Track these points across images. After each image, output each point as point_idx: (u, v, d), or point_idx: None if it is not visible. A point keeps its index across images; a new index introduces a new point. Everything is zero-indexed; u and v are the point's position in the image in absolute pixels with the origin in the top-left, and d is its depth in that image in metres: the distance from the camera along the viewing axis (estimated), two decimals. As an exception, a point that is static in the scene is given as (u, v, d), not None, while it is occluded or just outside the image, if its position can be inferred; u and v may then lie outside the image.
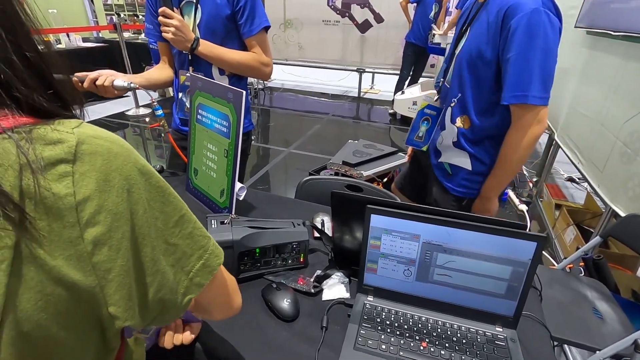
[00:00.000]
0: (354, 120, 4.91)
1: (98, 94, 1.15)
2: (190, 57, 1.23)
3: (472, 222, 0.68)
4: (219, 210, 1.10)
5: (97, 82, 1.11)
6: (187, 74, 1.24)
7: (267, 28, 1.26)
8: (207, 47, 1.19)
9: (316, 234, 1.03)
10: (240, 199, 1.06)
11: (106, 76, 1.12)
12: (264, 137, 4.28)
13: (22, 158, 0.29)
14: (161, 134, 3.69)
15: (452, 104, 1.19)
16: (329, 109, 5.25)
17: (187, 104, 1.32)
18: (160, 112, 1.22)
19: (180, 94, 1.36)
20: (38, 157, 0.30)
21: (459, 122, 1.17)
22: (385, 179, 2.29)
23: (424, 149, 1.39)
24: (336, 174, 2.32)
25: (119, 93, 1.16)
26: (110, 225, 0.34)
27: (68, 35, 4.74)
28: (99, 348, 0.40)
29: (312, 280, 0.85)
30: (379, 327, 0.73)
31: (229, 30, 1.22)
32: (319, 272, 0.88)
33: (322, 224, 1.05)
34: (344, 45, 5.61)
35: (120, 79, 1.13)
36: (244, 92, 0.93)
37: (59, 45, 4.59)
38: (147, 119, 4.43)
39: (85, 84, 1.12)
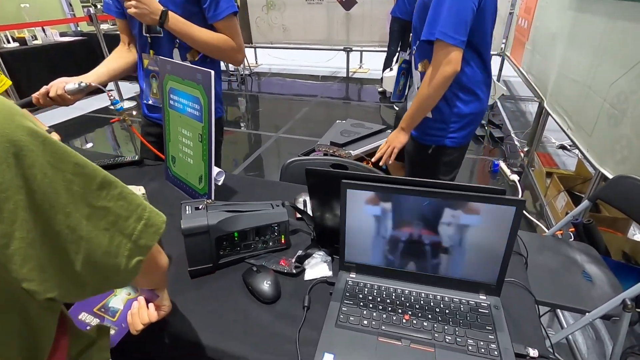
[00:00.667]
0: (343, 100, 4.84)
1: (61, 105, 1.11)
2: (150, 40, 1.17)
3: (451, 191, 0.66)
4: (199, 197, 1.07)
5: (50, 94, 1.07)
6: (151, 58, 1.19)
7: (235, 13, 1.18)
8: (177, 22, 1.09)
9: (299, 215, 1.01)
10: (219, 183, 1.03)
11: (56, 86, 1.07)
12: (254, 123, 4.22)
13: None
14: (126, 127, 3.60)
15: (414, 52, 1.30)
16: (318, 91, 5.16)
17: (154, 89, 1.28)
18: (119, 105, 1.15)
19: (144, 78, 1.29)
20: None
21: (420, 67, 1.28)
22: (375, 158, 2.27)
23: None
24: (325, 155, 2.29)
25: (77, 97, 1.10)
26: None
27: (44, 30, 4.57)
28: (21, 329, 0.38)
29: (293, 260, 0.83)
30: (361, 303, 0.72)
31: (191, 14, 1.13)
32: (300, 252, 0.86)
33: (305, 204, 1.03)
34: (329, 24, 5.47)
35: (71, 83, 1.07)
36: (212, 72, 0.89)
37: (35, 42, 4.44)
38: (134, 112, 4.34)
39: (41, 100, 1.08)
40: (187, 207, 0.82)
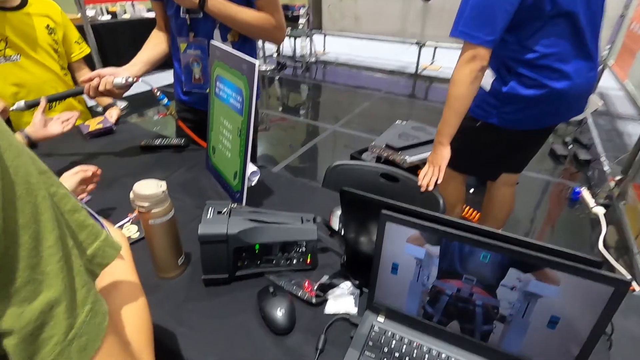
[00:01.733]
0: (408, 98, 4.57)
1: (109, 97, 1.12)
2: (189, 22, 1.12)
3: (523, 249, 0.50)
4: (233, 194, 1.01)
5: (99, 88, 1.07)
6: (187, 40, 1.15)
7: None
8: (216, 2, 1.04)
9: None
10: (253, 184, 0.96)
11: (105, 80, 1.07)
12: (313, 112, 4.15)
13: None
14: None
15: None
16: (383, 85, 4.94)
17: (196, 75, 1.23)
18: (165, 100, 1.13)
19: (182, 63, 1.25)
20: None
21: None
22: (432, 167, 2.07)
23: None
24: (378, 157, 2.14)
25: (123, 91, 1.10)
26: None
27: (133, 5, 4.92)
28: None
29: (315, 287, 0.73)
30: (386, 359, 0.60)
31: None
32: (325, 278, 0.75)
33: (341, 217, 0.92)
34: (403, 15, 5.17)
35: (119, 77, 1.06)
36: (257, 63, 0.80)
37: (124, 16, 4.78)
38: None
39: (91, 93, 1.09)
40: (210, 209, 0.75)
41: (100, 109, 1.62)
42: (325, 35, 6.29)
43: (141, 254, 0.75)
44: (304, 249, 0.77)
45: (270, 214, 0.79)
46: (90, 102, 1.54)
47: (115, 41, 4.47)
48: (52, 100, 1.18)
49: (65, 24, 1.48)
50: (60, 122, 1.19)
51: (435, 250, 0.57)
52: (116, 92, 1.09)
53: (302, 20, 5.04)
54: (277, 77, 5.33)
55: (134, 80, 1.09)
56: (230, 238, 0.71)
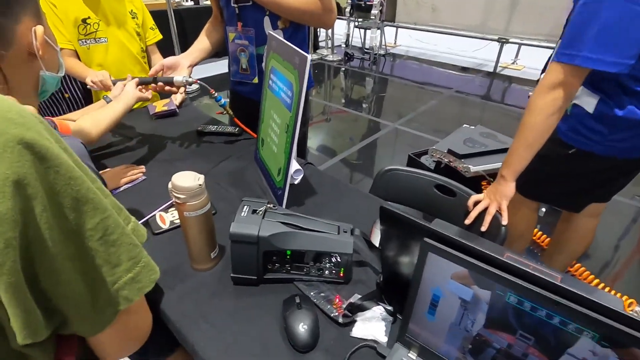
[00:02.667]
0: (481, 99, 4.21)
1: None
2: (237, 11, 1.09)
3: (602, 317, 0.40)
4: (276, 190, 0.99)
5: (158, 89, 1.12)
6: (236, 30, 1.13)
7: None
8: None
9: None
10: (295, 182, 0.92)
11: (160, 86, 1.11)
12: (376, 107, 4.02)
13: None
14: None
15: None
16: (454, 83, 4.61)
17: (243, 65, 1.22)
18: (222, 101, 1.15)
19: (230, 53, 1.25)
20: None
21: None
22: (499, 179, 1.86)
23: None
24: (438, 163, 1.99)
25: (181, 88, 1.12)
26: None
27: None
28: None
29: (344, 306, 0.67)
30: (411, 405, 0.53)
31: None
32: (356, 297, 0.69)
33: (384, 232, 0.84)
34: (487, 8, 4.75)
35: (179, 76, 1.09)
36: (309, 57, 0.75)
37: (205, 2, 5.03)
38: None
39: (157, 87, 1.13)
40: (245, 207, 0.73)
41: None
42: (397, 28, 6.04)
43: (181, 239, 0.75)
44: (337, 261, 0.72)
45: (307, 219, 0.74)
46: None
47: (196, 26, 4.74)
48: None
49: (144, 10, 1.57)
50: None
51: (486, 294, 0.47)
52: (174, 90, 1.14)
53: (374, 11, 4.87)
54: (343, 69, 5.26)
55: (194, 81, 1.12)
56: (261, 241, 0.68)
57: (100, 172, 1.05)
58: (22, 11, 0.40)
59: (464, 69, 5.18)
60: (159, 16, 3.94)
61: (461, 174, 1.82)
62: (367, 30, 5.36)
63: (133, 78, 1.13)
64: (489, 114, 3.85)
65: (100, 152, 1.22)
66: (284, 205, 0.94)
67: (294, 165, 0.90)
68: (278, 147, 0.96)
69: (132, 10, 1.50)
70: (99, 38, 1.43)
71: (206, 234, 0.73)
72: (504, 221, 0.98)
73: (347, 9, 5.14)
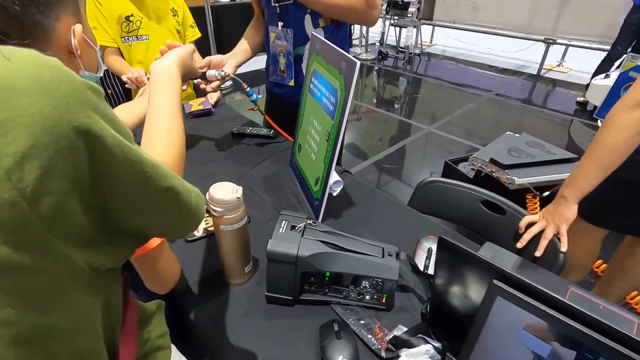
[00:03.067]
0: (523, 103, 3.99)
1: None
2: (278, 10, 1.04)
3: None
4: (312, 200, 0.94)
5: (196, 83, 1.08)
6: (277, 30, 1.08)
7: None
8: None
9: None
10: (334, 194, 0.87)
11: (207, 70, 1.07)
12: (409, 109, 3.90)
13: None
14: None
15: None
16: (494, 85, 4.39)
17: (281, 67, 1.18)
18: (254, 96, 1.11)
19: (270, 54, 1.22)
20: None
21: None
22: (547, 193, 1.73)
23: None
24: (478, 172, 1.88)
25: (219, 82, 1.07)
26: None
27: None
28: (98, 306, 0.38)
29: (388, 339, 0.61)
30: None
31: None
32: (401, 329, 0.63)
33: (429, 253, 0.78)
34: (534, 6, 4.48)
35: (213, 70, 1.04)
36: (358, 63, 0.69)
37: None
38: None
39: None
40: (283, 221, 0.68)
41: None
42: (434, 26, 5.84)
43: (215, 248, 0.72)
44: (380, 286, 0.66)
45: (349, 238, 0.69)
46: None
47: (232, 22, 4.77)
48: None
49: (184, 8, 1.56)
50: None
51: (570, 355, 0.40)
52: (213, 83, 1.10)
53: (412, 9, 4.72)
54: (376, 67, 5.15)
55: (227, 75, 1.08)
56: (300, 261, 0.63)
57: None
58: (61, 9, 0.38)
59: (505, 71, 4.93)
60: (195, 13, 4.00)
61: (504, 185, 1.70)
62: (403, 29, 5.21)
63: None
64: (530, 119, 3.63)
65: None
66: (320, 218, 0.89)
67: (334, 176, 0.84)
68: (317, 155, 0.91)
69: (173, 8, 1.49)
70: (141, 35, 1.43)
71: (241, 248, 0.69)
72: (563, 247, 0.88)
73: (383, 7, 5.01)
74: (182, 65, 0.70)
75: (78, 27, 0.42)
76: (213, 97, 1.54)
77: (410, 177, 2.64)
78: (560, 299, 0.41)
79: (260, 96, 1.13)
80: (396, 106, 3.93)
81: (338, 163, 1.30)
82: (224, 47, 4.97)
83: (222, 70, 1.04)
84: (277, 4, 1.07)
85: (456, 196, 1.10)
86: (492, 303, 0.45)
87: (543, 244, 0.90)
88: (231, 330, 0.65)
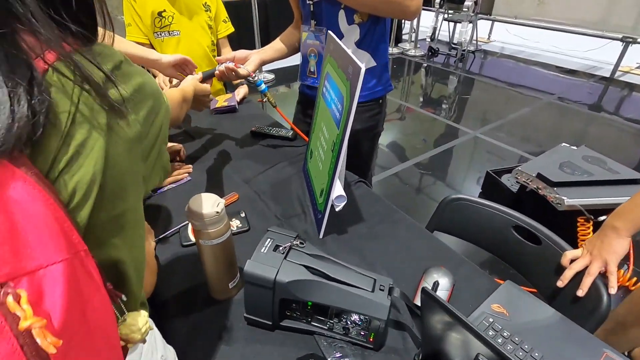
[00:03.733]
0: (589, 110, 3.56)
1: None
2: (312, 8, 0.96)
3: None
4: (317, 211, 0.88)
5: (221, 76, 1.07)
6: (309, 30, 1.00)
7: None
8: None
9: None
10: (337, 209, 0.80)
11: (226, 66, 1.04)
12: (457, 110, 3.65)
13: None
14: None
15: None
16: (557, 88, 3.98)
17: (311, 67, 1.10)
18: (263, 86, 1.06)
19: (302, 53, 1.15)
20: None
21: None
22: (603, 217, 1.50)
23: None
24: (522, 186, 1.68)
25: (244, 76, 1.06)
26: None
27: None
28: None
29: (367, 386, 0.54)
30: None
31: None
32: (385, 376, 0.55)
33: (435, 287, 0.68)
34: (611, 1, 3.97)
35: (243, 67, 1.03)
36: (362, 68, 0.61)
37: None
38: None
39: (219, 78, 1.08)
40: (268, 240, 0.63)
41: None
42: (493, 21, 5.42)
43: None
44: (366, 325, 0.58)
45: (337, 265, 0.61)
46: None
47: (279, 16, 4.78)
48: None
49: (218, 3, 1.55)
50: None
51: None
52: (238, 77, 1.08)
53: (468, 3, 4.39)
54: (424, 65, 4.90)
55: (248, 72, 1.04)
56: (278, 287, 0.57)
57: None
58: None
59: (572, 72, 4.45)
60: (242, 6, 4.03)
61: (552, 205, 1.51)
62: (457, 24, 4.89)
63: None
64: (598, 130, 3.23)
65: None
66: (322, 233, 0.83)
67: (337, 190, 0.77)
68: (323, 165, 0.84)
69: (205, 3, 1.49)
70: (172, 31, 1.44)
71: (224, 263, 0.65)
72: (612, 289, 0.73)
73: (437, 0, 4.73)
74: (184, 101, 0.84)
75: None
76: (240, 94, 1.52)
77: (453, 183, 2.47)
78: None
79: (268, 87, 1.08)
80: (443, 107, 3.71)
81: (366, 172, 1.22)
82: (270, 41, 5.01)
83: (246, 67, 1.02)
84: (310, 2, 1.01)
85: (485, 218, 0.97)
86: (477, 382, 0.36)
87: (587, 281, 0.75)
88: (204, 349, 0.62)
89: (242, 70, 1.04)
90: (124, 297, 0.34)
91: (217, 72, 1.05)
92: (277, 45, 1.21)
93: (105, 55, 0.34)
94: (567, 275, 0.79)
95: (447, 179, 2.52)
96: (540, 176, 1.58)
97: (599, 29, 4.20)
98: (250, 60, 1.09)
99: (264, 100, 1.09)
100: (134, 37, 1.40)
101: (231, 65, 1.03)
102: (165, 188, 1.01)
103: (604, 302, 0.73)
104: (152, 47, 1.46)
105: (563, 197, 1.47)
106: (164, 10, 1.40)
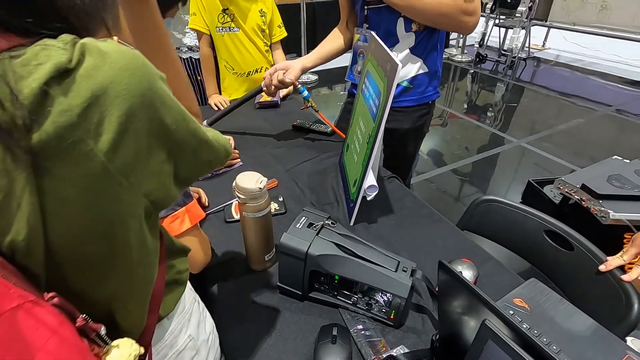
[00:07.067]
0: (652, 123, 3.30)
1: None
2: (366, 12, 1.01)
3: None
4: (349, 201, 0.93)
5: (272, 87, 1.15)
6: (362, 32, 1.05)
7: None
8: None
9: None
10: (368, 199, 0.85)
11: (275, 75, 1.13)
12: (504, 118, 3.53)
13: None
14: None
15: None
16: (615, 99, 3.72)
17: (359, 67, 1.15)
18: (305, 93, 1.15)
19: (353, 53, 1.19)
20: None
21: None
22: (652, 235, 1.42)
23: None
24: (565, 198, 1.62)
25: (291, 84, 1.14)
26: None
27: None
28: (142, 253, 0.38)
29: (384, 355, 0.58)
30: None
31: None
32: (402, 349, 0.59)
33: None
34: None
35: (289, 76, 1.11)
36: (399, 65, 0.66)
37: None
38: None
39: (268, 92, 1.17)
40: (302, 218, 0.69)
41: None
42: (549, 28, 5.16)
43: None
44: (389, 301, 0.63)
45: (365, 245, 0.67)
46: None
47: (327, 19, 4.88)
48: (235, 106, 1.29)
49: (273, 10, 1.67)
50: None
51: None
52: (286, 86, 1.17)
53: (521, 8, 4.23)
54: (471, 71, 4.77)
55: (292, 81, 1.13)
56: (309, 259, 0.63)
57: None
58: (98, 25, 0.40)
59: (634, 83, 4.13)
60: (291, 9, 4.17)
61: (596, 218, 1.44)
62: (509, 30, 4.71)
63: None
64: (658, 144, 2.99)
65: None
66: (352, 220, 0.88)
67: (369, 180, 0.82)
68: (358, 156, 0.89)
69: (261, 10, 1.61)
70: (232, 27, 1.57)
71: (262, 236, 0.72)
72: (627, 276, 0.72)
73: (488, 5, 4.59)
74: None
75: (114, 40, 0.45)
76: (283, 91, 1.62)
77: (493, 191, 2.41)
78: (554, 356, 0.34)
79: (310, 93, 1.16)
80: (489, 114, 3.60)
81: (406, 174, 1.26)
82: (317, 43, 5.11)
83: (290, 77, 1.10)
84: (367, 7, 1.06)
85: (516, 221, 0.97)
86: (482, 346, 0.39)
87: (634, 273, 0.74)
88: (240, 312, 0.69)
89: (288, 79, 1.13)
90: (102, 330, 0.31)
91: (264, 87, 1.16)
92: (320, 51, 1.25)
93: (41, 59, 0.26)
94: (601, 269, 0.78)
95: (486, 187, 2.46)
96: (585, 187, 1.51)
97: (670, 38, 3.88)
98: (292, 68, 1.16)
99: (308, 105, 1.18)
100: (196, 25, 1.54)
101: (280, 76, 1.12)
102: (221, 171, 1.12)
103: (635, 310, 0.72)
104: (212, 39, 1.59)
105: (609, 211, 1.40)
106: (227, 9, 1.53)
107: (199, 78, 1.89)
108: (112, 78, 0.28)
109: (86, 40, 0.29)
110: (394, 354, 0.58)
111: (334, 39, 1.25)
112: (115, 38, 0.45)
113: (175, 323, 0.52)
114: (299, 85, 1.14)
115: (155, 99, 0.31)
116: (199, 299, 0.61)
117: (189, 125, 0.36)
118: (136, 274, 0.37)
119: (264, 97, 1.56)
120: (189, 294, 0.56)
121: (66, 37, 0.28)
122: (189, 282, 0.57)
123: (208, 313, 0.63)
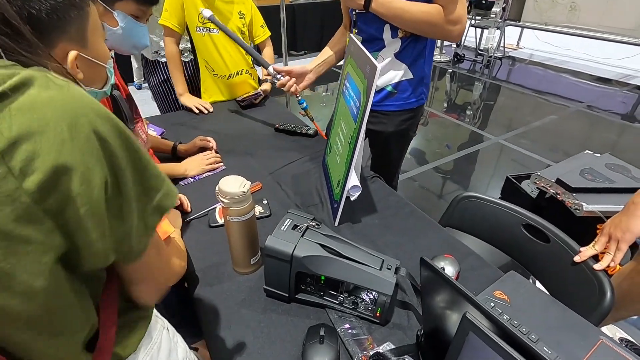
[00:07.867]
0: (621, 119, 3.45)
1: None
2: (354, 17, 1.03)
3: None
4: (333, 201, 0.94)
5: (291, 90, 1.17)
6: (351, 36, 1.05)
7: None
8: (382, 3, 0.94)
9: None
10: (352, 199, 0.86)
11: (293, 82, 1.16)
12: (482, 116, 3.62)
13: None
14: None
15: None
16: (586, 96, 3.87)
17: None
18: (304, 104, 1.21)
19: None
20: None
21: None
22: (623, 225, 1.48)
23: None
24: (542, 192, 1.68)
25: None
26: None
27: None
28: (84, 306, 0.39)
29: (371, 353, 0.59)
30: None
31: None
32: (389, 346, 0.61)
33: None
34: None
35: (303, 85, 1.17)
36: (378, 67, 0.67)
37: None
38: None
39: (291, 91, 1.18)
40: (287, 220, 0.69)
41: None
42: (522, 28, 5.33)
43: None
44: (374, 299, 0.64)
45: (349, 245, 0.68)
46: (260, 74, 1.72)
47: (307, 20, 4.90)
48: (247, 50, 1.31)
49: (253, 11, 1.66)
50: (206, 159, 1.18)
51: (538, 412, 0.35)
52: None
53: (495, 9, 4.35)
54: (449, 70, 4.87)
55: (296, 93, 1.19)
56: (295, 261, 0.64)
57: (183, 161, 1.14)
58: (57, 37, 0.41)
59: (604, 80, 4.31)
60: (271, 10, 4.16)
61: (571, 211, 1.50)
62: (484, 30, 4.84)
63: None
64: (627, 140, 3.13)
65: (182, 128, 1.32)
66: (337, 221, 0.89)
67: (353, 181, 0.83)
68: (341, 157, 0.90)
69: (240, 11, 1.59)
70: (212, 29, 1.55)
71: (247, 240, 0.72)
72: (598, 264, 0.76)
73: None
74: None
75: (71, 54, 0.45)
76: (263, 87, 1.63)
77: (473, 188, 2.47)
78: (537, 350, 0.35)
79: (308, 105, 1.23)
80: (467, 113, 3.68)
81: (392, 177, 1.28)
82: (297, 44, 5.12)
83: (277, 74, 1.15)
84: (354, 12, 1.07)
85: (495, 216, 1.00)
86: (463, 338, 0.41)
87: (605, 260, 0.77)
88: (226, 316, 0.69)
89: (294, 88, 1.16)
90: None
91: (277, 83, 1.18)
92: (327, 55, 1.25)
93: None
94: (576, 260, 0.81)
95: (467, 184, 2.52)
96: (559, 181, 1.57)
97: (635, 37, 4.06)
98: (307, 78, 1.19)
99: (305, 114, 1.25)
100: (167, 21, 1.49)
101: (293, 88, 1.16)
102: (204, 175, 1.10)
103: (607, 298, 0.75)
104: (190, 39, 1.57)
105: (582, 203, 1.46)
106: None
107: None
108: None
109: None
110: (381, 351, 0.59)
111: (336, 44, 1.25)
112: (73, 52, 0.45)
113: (142, 357, 0.48)
114: (299, 97, 1.17)
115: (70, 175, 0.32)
116: (168, 324, 0.57)
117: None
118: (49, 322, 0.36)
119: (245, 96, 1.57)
120: (156, 321, 0.53)
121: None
122: (155, 309, 0.54)
123: (179, 337, 0.59)
